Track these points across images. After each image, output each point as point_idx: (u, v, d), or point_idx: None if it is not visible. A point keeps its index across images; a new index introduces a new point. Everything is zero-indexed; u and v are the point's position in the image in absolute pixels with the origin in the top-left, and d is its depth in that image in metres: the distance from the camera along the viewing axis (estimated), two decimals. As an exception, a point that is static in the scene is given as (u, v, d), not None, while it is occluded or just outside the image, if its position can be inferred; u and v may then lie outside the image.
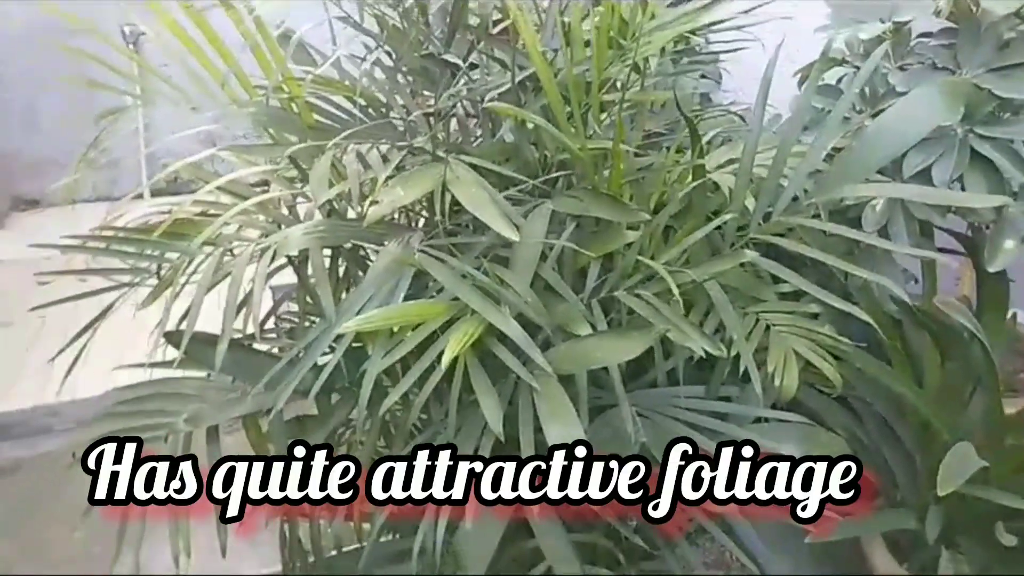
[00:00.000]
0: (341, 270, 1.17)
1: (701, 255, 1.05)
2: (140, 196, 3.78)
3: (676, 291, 0.86)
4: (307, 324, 1.19)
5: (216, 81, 1.09)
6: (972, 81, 1.08)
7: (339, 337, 0.94)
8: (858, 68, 1.21)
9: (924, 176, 1.12)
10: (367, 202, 0.91)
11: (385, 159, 1.04)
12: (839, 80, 1.26)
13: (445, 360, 0.82)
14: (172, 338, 1.02)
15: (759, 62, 1.12)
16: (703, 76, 1.77)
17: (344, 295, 1.16)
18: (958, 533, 1.25)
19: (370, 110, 1.17)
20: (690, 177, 1.06)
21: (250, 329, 1.09)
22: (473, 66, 1.19)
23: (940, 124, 1.05)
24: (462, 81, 1.21)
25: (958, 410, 1.32)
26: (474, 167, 1.03)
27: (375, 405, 0.96)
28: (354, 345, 0.96)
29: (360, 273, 1.15)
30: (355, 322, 0.88)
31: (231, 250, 1.08)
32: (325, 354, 0.99)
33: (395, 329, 0.91)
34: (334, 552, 1.31)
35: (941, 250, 1.36)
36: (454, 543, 0.96)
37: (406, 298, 0.94)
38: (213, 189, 1.09)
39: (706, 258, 1.03)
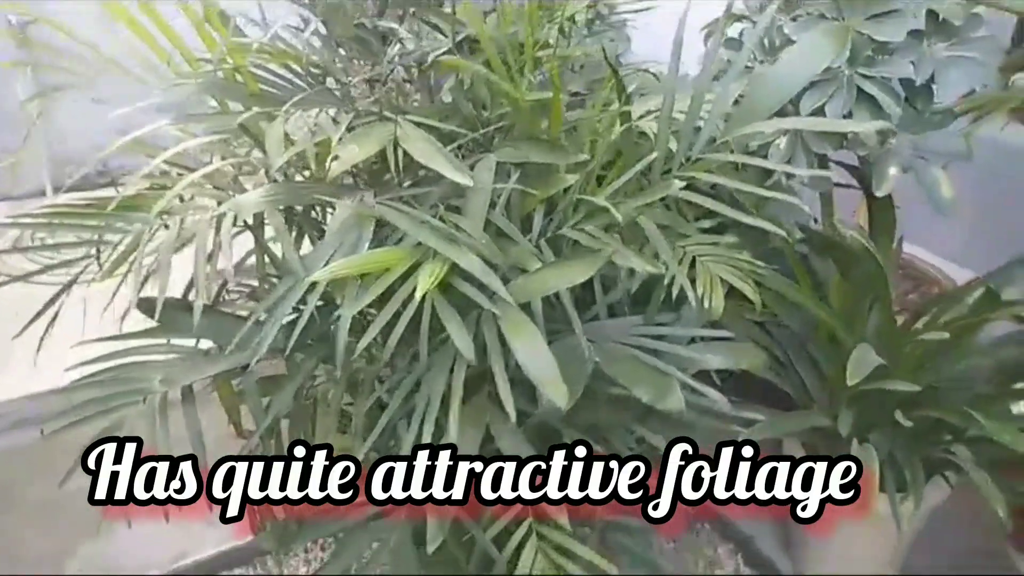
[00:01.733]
0: (294, 233, 1.21)
1: (633, 195, 1.16)
2: (43, 194, 3.63)
3: (619, 218, 0.96)
4: (266, 287, 1.23)
5: (161, 60, 1.11)
6: (854, 28, 1.23)
7: (306, 294, 1.00)
8: (754, 23, 1.34)
9: (819, 115, 1.26)
10: (328, 161, 0.97)
11: (334, 122, 1.09)
12: (741, 34, 1.39)
13: (419, 293, 0.89)
14: (144, 305, 1.05)
15: (663, 28, 1.24)
16: (612, 40, 1.90)
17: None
18: (865, 429, 1.43)
19: (310, 79, 1.21)
20: (617, 125, 1.17)
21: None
22: (406, 35, 1.25)
23: (828, 66, 1.19)
24: (396, 48, 1.27)
25: (859, 324, 1.50)
26: (419, 125, 1.10)
27: (344, 356, 1.03)
28: (318, 304, 1.02)
29: (315, 234, 1.20)
30: (323, 272, 0.94)
31: (184, 219, 1.11)
32: (290, 314, 1.05)
33: (361, 277, 0.98)
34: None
35: (837, 185, 1.53)
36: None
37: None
38: (159, 164, 1.12)
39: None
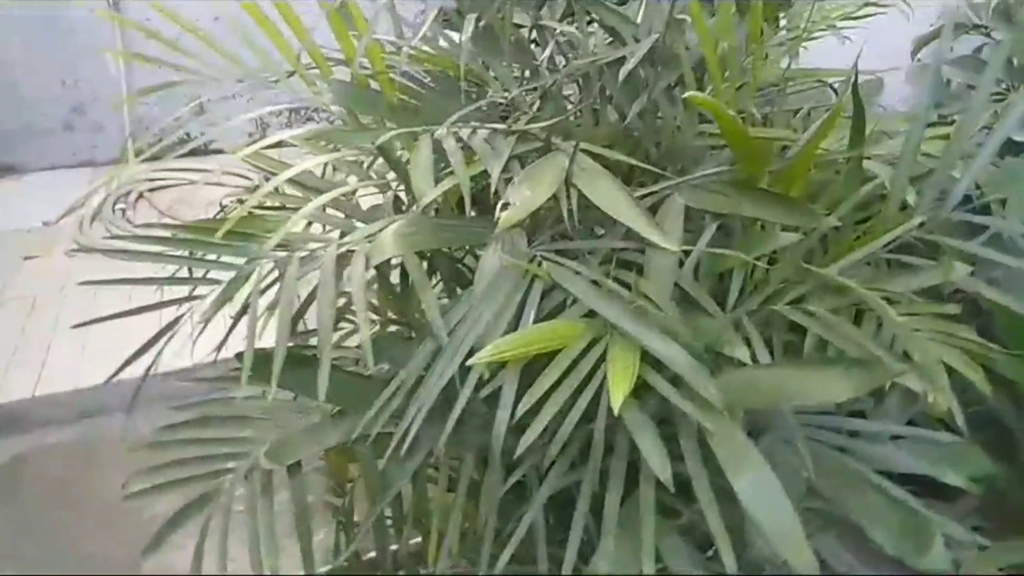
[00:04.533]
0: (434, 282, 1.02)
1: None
2: (124, 160, 3.55)
3: (887, 310, 0.73)
4: (387, 333, 1.04)
5: (284, 56, 0.92)
6: None
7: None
8: (990, 36, 1.07)
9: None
10: (497, 210, 0.76)
11: (489, 146, 0.88)
12: (979, 50, 1.12)
13: (615, 405, 0.68)
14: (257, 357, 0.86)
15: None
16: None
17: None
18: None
19: (457, 88, 1.00)
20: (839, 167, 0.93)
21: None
22: (576, 35, 1.03)
23: None
24: (556, 53, 1.05)
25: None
26: (593, 155, 0.89)
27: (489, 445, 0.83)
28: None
29: (456, 287, 1.00)
30: (486, 354, 0.73)
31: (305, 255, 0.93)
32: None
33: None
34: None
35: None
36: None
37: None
38: (278, 182, 0.93)
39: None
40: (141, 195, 3.18)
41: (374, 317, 1.11)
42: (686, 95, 0.74)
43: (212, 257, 0.95)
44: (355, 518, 1.13)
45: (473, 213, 1.06)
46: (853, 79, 0.81)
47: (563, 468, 0.81)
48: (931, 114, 0.97)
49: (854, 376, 0.70)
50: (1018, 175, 0.85)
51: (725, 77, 0.82)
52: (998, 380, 1.13)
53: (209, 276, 0.95)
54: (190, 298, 0.90)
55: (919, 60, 1.29)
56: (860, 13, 1.03)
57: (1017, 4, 1.08)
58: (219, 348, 0.99)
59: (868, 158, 0.93)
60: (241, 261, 0.90)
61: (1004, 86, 1.09)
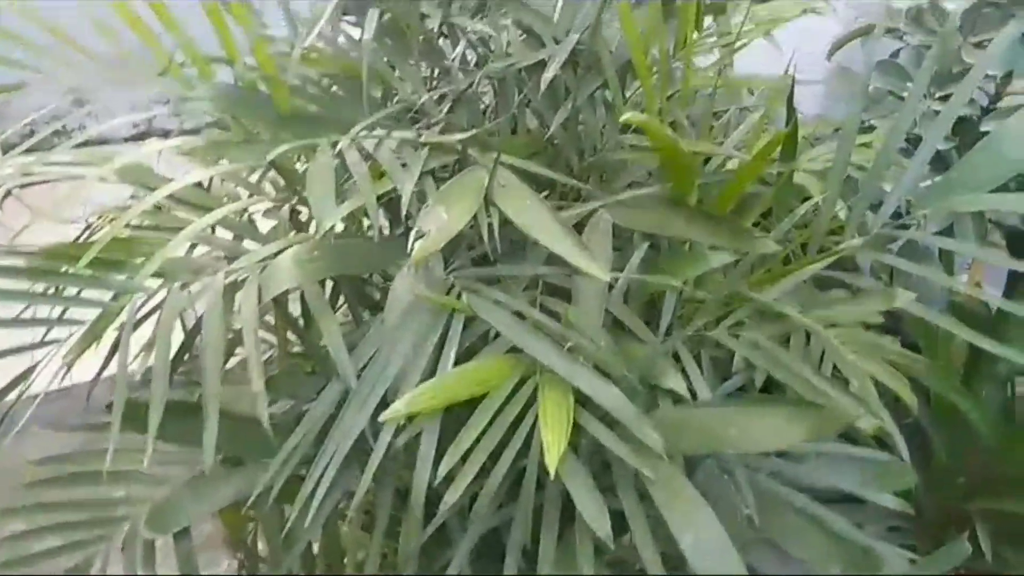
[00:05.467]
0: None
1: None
2: (-9, 154, 3.20)
3: (831, 341, 0.68)
4: (289, 367, 0.93)
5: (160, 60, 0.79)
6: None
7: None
8: (924, 45, 1.05)
9: None
10: (411, 240, 0.67)
11: (400, 162, 0.79)
12: (896, 54, 1.11)
13: (550, 466, 0.60)
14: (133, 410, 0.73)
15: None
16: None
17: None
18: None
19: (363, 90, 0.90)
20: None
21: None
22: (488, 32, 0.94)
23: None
24: (465, 50, 0.96)
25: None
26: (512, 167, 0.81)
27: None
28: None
29: (365, 311, 0.90)
30: (403, 405, 0.64)
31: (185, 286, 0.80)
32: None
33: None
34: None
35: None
36: None
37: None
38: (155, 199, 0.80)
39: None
40: (9, 193, 2.88)
41: (270, 340, 1.00)
42: (623, 118, 0.67)
43: (76, 290, 0.82)
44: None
45: (385, 221, 0.97)
46: (790, 89, 0.76)
47: (492, 508, 0.74)
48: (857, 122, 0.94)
49: (804, 420, 0.66)
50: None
51: (654, 85, 0.75)
52: (917, 388, 1.13)
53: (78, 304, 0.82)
54: (42, 343, 0.77)
55: (836, 63, 1.27)
56: (789, 15, 0.99)
57: (934, 11, 1.07)
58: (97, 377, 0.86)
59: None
60: (108, 296, 0.78)
61: (926, 95, 1.08)
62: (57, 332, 0.80)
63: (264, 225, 0.94)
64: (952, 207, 0.83)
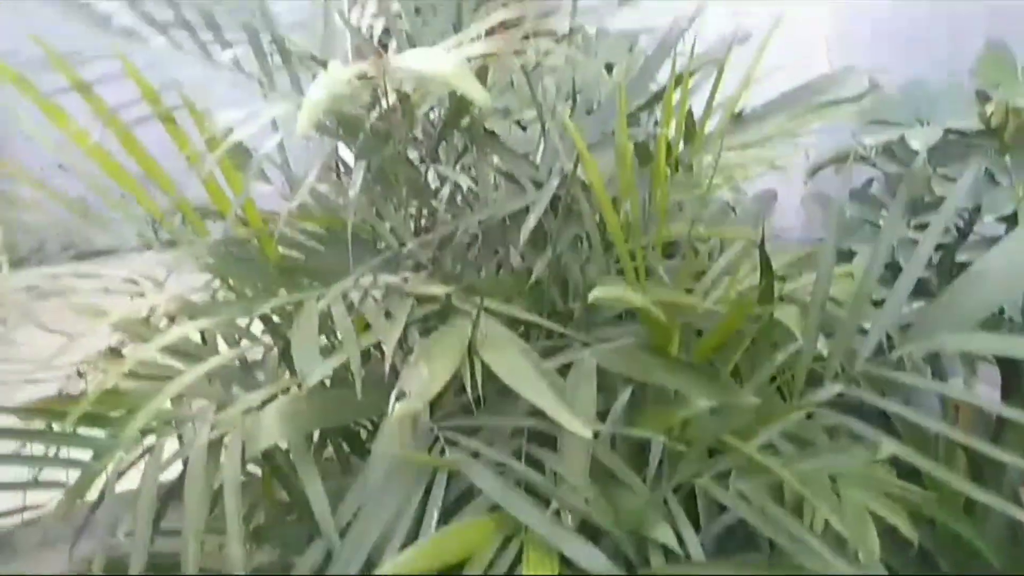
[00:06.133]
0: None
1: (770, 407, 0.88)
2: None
3: (813, 499, 0.68)
4: (274, 515, 0.92)
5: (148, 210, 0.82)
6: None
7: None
8: (897, 174, 1.09)
9: None
10: (391, 402, 0.68)
11: (385, 313, 0.80)
12: (869, 183, 1.15)
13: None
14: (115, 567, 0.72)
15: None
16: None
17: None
18: None
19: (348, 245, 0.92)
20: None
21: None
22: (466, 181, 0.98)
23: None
24: (450, 194, 1.00)
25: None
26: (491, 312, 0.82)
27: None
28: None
29: (349, 455, 0.89)
30: (388, 569, 0.63)
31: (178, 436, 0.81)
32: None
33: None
34: None
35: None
36: None
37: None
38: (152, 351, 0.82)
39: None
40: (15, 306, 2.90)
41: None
42: (592, 295, 0.69)
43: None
44: None
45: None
46: (760, 241, 0.78)
47: None
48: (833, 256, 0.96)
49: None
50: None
51: (627, 240, 0.78)
52: (919, 517, 1.11)
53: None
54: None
55: (812, 186, 1.32)
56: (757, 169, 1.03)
57: (902, 147, 1.11)
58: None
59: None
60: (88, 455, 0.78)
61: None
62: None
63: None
64: (936, 347, 0.84)
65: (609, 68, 1.29)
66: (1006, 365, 1.32)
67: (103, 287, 0.95)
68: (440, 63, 0.56)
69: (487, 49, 0.62)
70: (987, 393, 1.41)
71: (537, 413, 0.80)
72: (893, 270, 1.01)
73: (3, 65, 0.74)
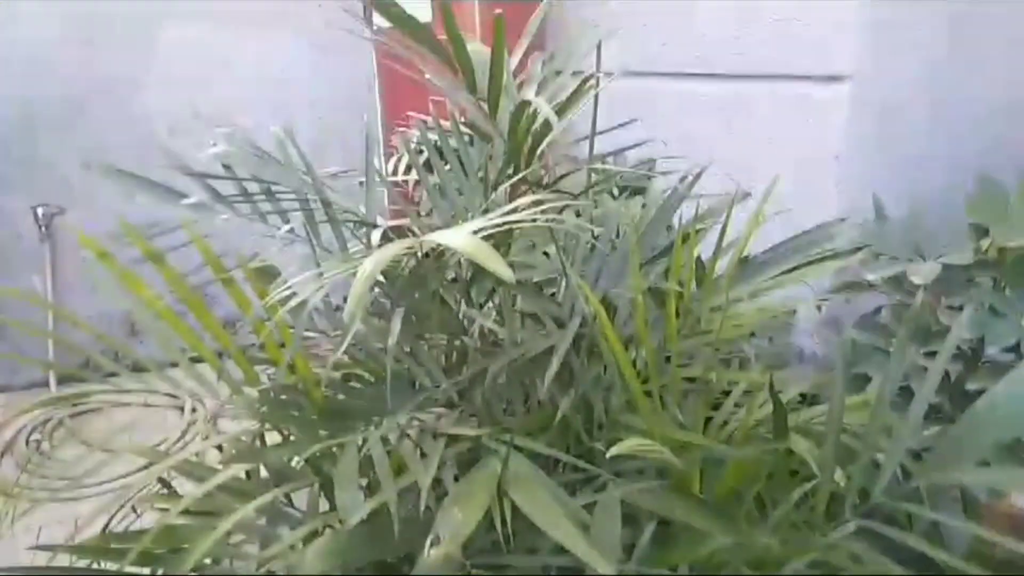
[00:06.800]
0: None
1: (790, 541, 0.91)
2: (46, 384, 3.38)
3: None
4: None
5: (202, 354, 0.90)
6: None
7: None
8: (903, 303, 1.15)
9: None
10: (426, 548, 0.73)
11: (420, 452, 0.86)
12: (878, 312, 1.20)
13: None
14: None
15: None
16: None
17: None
18: None
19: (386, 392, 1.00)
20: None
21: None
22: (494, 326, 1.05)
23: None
24: (480, 332, 1.07)
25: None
26: (519, 449, 0.87)
27: None
28: None
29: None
30: None
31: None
32: None
33: None
34: None
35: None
36: None
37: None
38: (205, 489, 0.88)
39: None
40: (61, 423, 3.01)
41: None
42: (612, 451, 0.75)
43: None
44: None
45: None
46: (770, 384, 0.84)
47: None
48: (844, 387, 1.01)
49: None
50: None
51: (645, 381, 0.84)
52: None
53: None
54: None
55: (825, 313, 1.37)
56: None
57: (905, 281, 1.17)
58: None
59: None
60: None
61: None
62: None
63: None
64: (951, 481, 0.87)
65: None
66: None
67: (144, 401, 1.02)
68: (466, 242, 0.64)
69: (511, 224, 0.71)
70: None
71: (564, 550, 0.84)
72: (907, 396, 1.05)
73: (86, 237, 0.84)
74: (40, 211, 3.04)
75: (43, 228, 3.09)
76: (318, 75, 3.27)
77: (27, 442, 2.77)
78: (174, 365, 0.97)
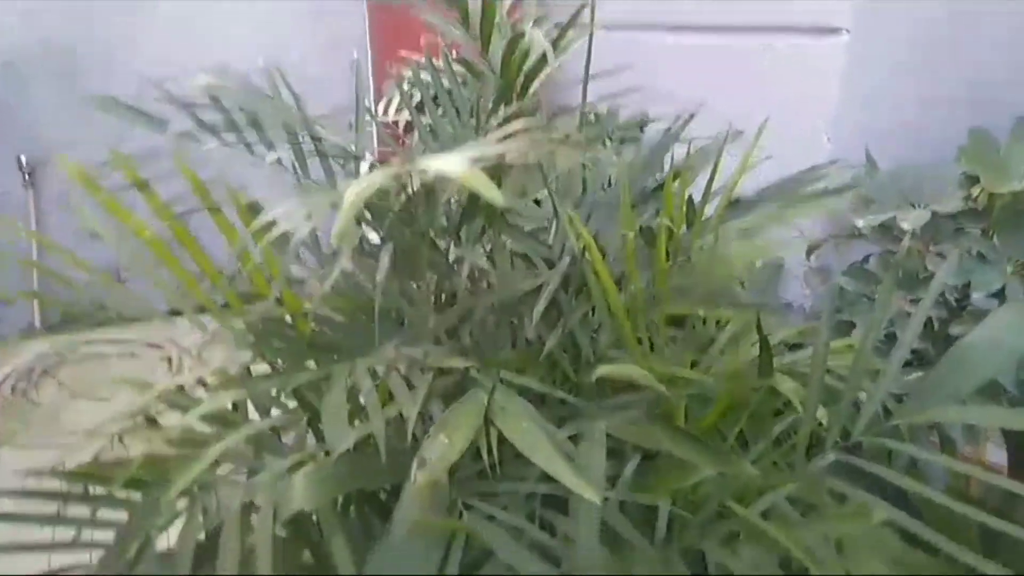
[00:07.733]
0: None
1: (771, 473, 0.92)
2: (31, 327, 3.37)
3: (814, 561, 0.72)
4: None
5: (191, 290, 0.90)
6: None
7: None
8: (891, 251, 1.15)
9: None
10: (413, 471, 0.73)
11: (407, 383, 0.87)
12: (866, 260, 1.21)
13: None
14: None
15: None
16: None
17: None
18: None
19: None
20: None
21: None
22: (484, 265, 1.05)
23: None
24: (470, 272, 1.07)
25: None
26: (508, 384, 0.88)
27: None
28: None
29: (374, 517, 0.94)
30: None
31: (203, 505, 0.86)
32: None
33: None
34: None
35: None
36: None
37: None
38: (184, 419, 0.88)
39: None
40: (45, 371, 3.01)
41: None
42: (598, 372, 0.75)
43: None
44: None
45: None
46: (757, 323, 0.84)
47: None
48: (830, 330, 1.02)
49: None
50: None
51: (632, 317, 0.84)
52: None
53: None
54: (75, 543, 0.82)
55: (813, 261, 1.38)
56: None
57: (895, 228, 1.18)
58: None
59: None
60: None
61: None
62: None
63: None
64: (931, 418, 0.89)
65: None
66: (1012, 437, 1.34)
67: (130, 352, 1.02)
68: (457, 166, 0.63)
69: (503, 152, 0.70)
70: (999, 455, 1.42)
71: (550, 479, 0.85)
72: (893, 342, 1.06)
73: (72, 165, 0.83)
74: (24, 158, 2.99)
75: (27, 176, 3.05)
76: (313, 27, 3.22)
77: (12, 390, 2.77)
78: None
